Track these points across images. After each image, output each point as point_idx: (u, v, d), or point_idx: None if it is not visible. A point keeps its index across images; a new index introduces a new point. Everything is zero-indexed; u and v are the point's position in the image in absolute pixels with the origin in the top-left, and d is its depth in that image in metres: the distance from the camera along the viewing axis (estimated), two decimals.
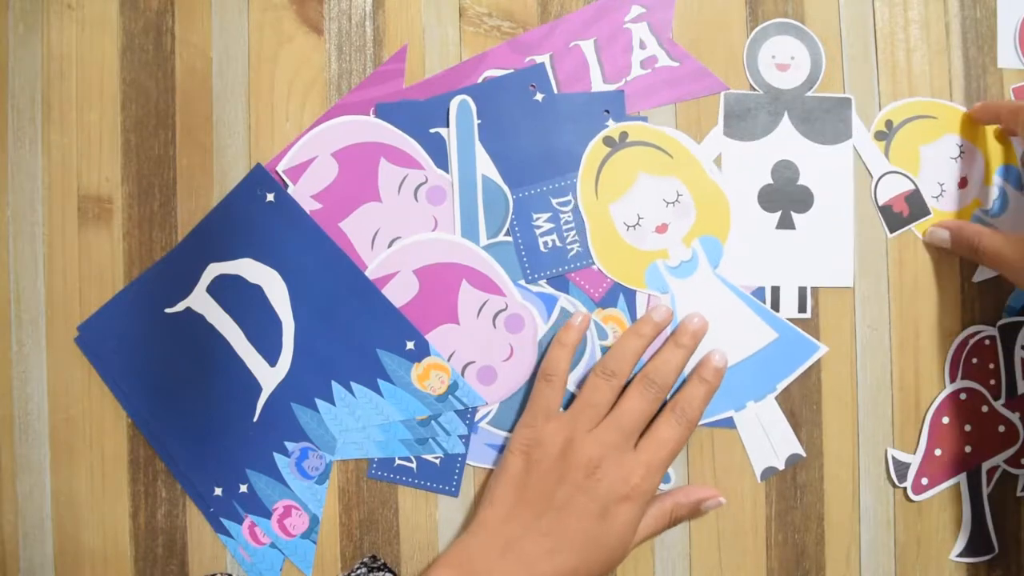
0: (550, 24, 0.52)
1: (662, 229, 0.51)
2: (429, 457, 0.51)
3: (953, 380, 0.52)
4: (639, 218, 0.51)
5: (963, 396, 0.52)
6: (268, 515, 0.51)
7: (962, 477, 0.52)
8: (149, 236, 0.52)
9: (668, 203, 0.51)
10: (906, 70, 0.53)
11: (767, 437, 0.52)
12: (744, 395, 0.52)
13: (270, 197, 0.51)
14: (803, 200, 0.52)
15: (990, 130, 0.53)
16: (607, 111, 0.52)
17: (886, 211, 0.52)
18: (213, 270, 0.51)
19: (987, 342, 0.52)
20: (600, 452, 0.46)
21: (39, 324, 0.52)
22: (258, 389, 0.51)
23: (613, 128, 0.51)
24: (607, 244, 0.51)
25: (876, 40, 0.53)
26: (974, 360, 0.52)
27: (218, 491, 0.51)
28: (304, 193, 0.51)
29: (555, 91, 0.52)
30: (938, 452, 0.52)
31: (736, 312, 0.52)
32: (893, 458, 0.52)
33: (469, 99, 0.51)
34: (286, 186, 0.51)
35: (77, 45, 0.52)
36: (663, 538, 0.52)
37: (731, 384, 0.51)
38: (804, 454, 0.52)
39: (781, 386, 0.52)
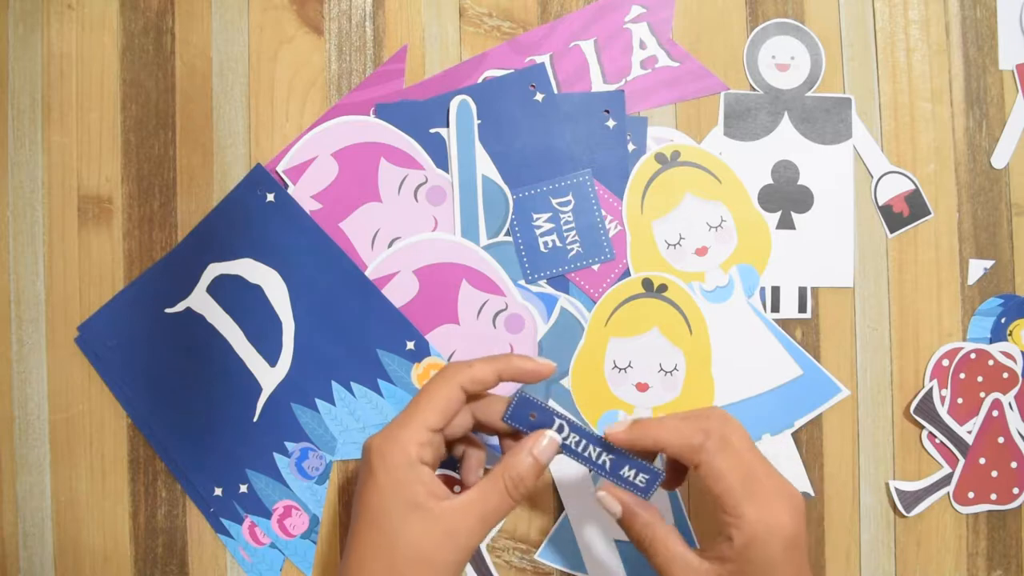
0: (550, 24, 0.52)
1: (702, 252, 0.51)
2: None
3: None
4: (680, 238, 0.51)
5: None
6: (268, 515, 0.51)
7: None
8: (149, 236, 0.52)
9: (711, 227, 0.51)
10: (906, 70, 0.53)
11: None
12: (761, 427, 0.51)
13: (270, 197, 0.51)
14: (803, 200, 0.52)
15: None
16: (607, 111, 0.52)
17: (886, 211, 0.52)
18: (213, 270, 0.51)
19: (973, 355, 0.52)
20: None
21: (39, 324, 0.52)
22: (258, 389, 0.51)
23: (666, 146, 0.51)
24: (645, 260, 0.51)
25: (876, 40, 0.53)
26: (961, 375, 0.52)
27: (218, 491, 0.51)
28: (304, 193, 0.51)
29: (555, 91, 0.52)
30: (983, 461, 0.51)
31: (764, 344, 0.51)
32: (896, 489, 0.51)
33: (469, 99, 0.51)
34: (286, 186, 0.51)
35: (77, 45, 0.52)
36: None
37: (749, 414, 0.51)
38: (813, 493, 0.52)
39: (799, 423, 0.51)
